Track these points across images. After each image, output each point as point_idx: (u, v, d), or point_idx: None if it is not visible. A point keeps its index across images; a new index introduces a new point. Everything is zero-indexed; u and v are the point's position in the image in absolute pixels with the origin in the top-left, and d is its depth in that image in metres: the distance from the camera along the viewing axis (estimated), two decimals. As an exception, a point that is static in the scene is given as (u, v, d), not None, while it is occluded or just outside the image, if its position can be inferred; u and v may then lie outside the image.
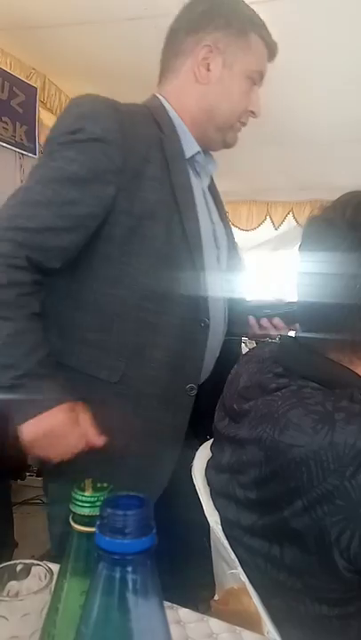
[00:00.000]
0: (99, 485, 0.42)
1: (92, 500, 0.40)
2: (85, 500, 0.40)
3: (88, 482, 0.42)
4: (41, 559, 0.53)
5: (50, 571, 0.49)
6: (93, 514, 0.39)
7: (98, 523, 0.32)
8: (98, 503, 0.39)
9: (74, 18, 3.33)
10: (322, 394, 0.66)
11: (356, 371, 0.70)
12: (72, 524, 0.41)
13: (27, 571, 0.51)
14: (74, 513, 0.40)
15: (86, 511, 0.40)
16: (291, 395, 0.67)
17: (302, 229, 0.74)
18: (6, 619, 0.46)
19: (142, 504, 0.33)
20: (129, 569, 0.31)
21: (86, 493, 0.40)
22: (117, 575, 0.31)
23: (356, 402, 0.63)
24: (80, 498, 0.40)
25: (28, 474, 2.54)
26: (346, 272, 0.66)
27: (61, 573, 0.42)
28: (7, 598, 0.48)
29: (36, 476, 2.58)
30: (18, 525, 1.87)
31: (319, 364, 0.71)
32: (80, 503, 0.40)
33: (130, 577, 0.31)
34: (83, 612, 0.33)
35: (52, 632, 0.42)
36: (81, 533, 0.40)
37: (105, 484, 0.42)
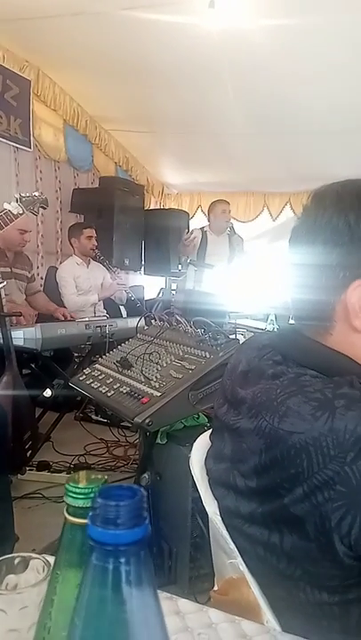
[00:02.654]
0: (93, 477, 0.41)
1: (86, 491, 0.39)
2: (79, 492, 0.39)
3: (82, 473, 0.42)
4: (42, 553, 0.52)
5: (48, 563, 0.49)
6: (87, 505, 0.39)
7: (90, 514, 0.32)
8: (92, 495, 0.39)
9: (67, 9, 3.30)
10: (321, 381, 0.66)
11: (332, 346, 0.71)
12: (66, 515, 0.40)
13: (25, 564, 0.50)
14: (68, 505, 0.40)
15: (80, 503, 0.39)
16: (289, 383, 0.67)
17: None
18: (5, 612, 0.46)
19: (135, 495, 0.32)
20: (122, 560, 0.31)
21: (80, 485, 0.40)
22: (110, 566, 0.31)
23: (356, 388, 0.63)
24: (74, 490, 0.40)
25: (27, 468, 2.55)
26: (326, 263, 0.68)
27: (56, 565, 0.42)
28: (5, 592, 0.47)
29: (36, 471, 2.59)
30: (18, 519, 1.88)
31: (317, 352, 0.71)
32: (74, 495, 0.39)
33: (123, 568, 0.31)
34: (76, 604, 0.33)
35: (48, 624, 0.41)
36: (75, 525, 0.40)
37: (99, 476, 0.42)
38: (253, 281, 5.20)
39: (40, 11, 3.30)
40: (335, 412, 0.60)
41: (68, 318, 3.32)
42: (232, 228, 4.46)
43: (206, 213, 4.85)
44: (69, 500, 0.40)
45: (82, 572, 0.34)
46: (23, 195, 2.56)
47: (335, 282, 0.69)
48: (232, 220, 6.18)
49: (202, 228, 4.60)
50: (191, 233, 4.49)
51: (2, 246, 3.02)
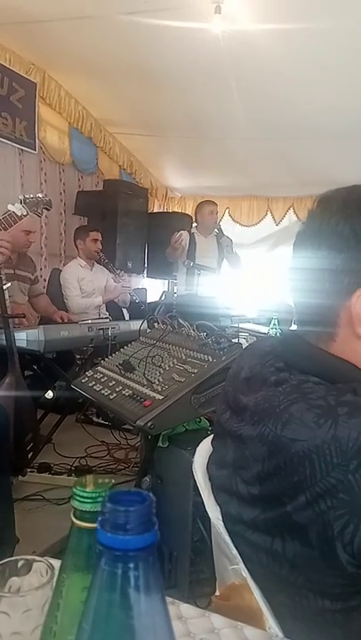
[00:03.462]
0: (100, 481, 0.41)
1: (94, 495, 0.39)
2: (87, 496, 0.39)
3: (90, 477, 0.42)
4: (42, 555, 0.52)
5: (51, 566, 0.49)
6: (95, 510, 0.39)
7: (99, 519, 0.32)
8: (99, 499, 0.39)
9: (73, 12, 3.32)
10: (324, 388, 0.66)
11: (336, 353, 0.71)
12: (73, 519, 0.40)
13: (28, 567, 0.50)
14: (75, 509, 0.40)
15: (88, 507, 0.39)
16: (292, 390, 0.67)
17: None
18: (8, 615, 0.46)
19: (144, 500, 0.32)
20: (131, 565, 0.31)
21: (88, 489, 0.40)
22: (119, 571, 0.31)
23: (359, 395, 0.63)
24: (81, 494, 0.40)
25: (28, 470, 2.54)
26: (330, 268, 0.68)
27: (62, 569, 0.42)
28: (8, 594, 0.47)
29: (37, 473, 2.59)
30: (19, 521, 1.87)
31: (320, 359, 0.71)
32: (81, 499, 0.39)
33: (132, 573, 0.31)
34: (84, 609, 0.33)
35: (54, 628, 0.41)
36: (82, 529, 0.40)
37: (107, 480, 0.42)
38: (255, 285, 5.20)
39: (46, 14, 3.31)
40: (338, 420, 0.60)
41: (66, 321, 3.32)
42: (220, 229, 4.45)
43: (193, 214, 4.80)
44: (76, 504, 0.40)
45: (88, 576, 0.34)
46: (27, 196, 2.57)
47: (339, 287, 0.69)
48: (235, 224, 6.20)
49: (189, 230, 4.55)
50: (180, 235, 4.44)
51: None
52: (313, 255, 0.70)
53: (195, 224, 4.61)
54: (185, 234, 4.44)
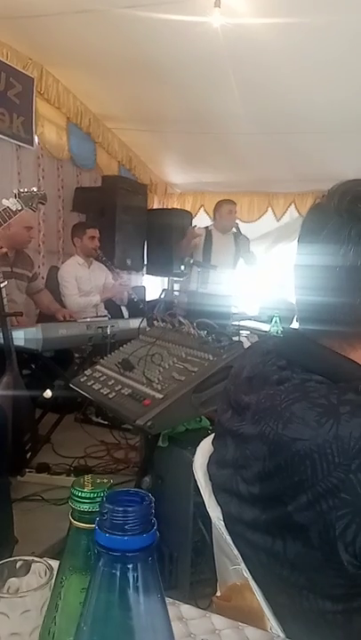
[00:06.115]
0: (98, 481, 0.41)
1: (92, 496, 0.39)
2: (85, 497, 0.39)
3: (87, 478, 0.41)
4: (41, 556, 0.52)
5: (50, 567, 0.49)
6: (93, 510, 0.39)
7: (97, 519, 0.31)
8: (97, 499, 0.39)
9: (71, 6, 3.30)
10: (326, 387, 0.65)
11: (355, 359, 0.69)
12: (71, 520, 0.40)
13: (27, 567, 0.50)
14: (73, 509, 0.40)
15: (86, 507, 0.39)
16: (294, 388, 0.66)
17: (302, 221, 0.73)
18: (6, 616, 0.46)
19: (143, 500, 0.32)
20: (129, 566, 0.31)
21: (85, 490, 0.39)
22: (118, 572, 0.31)
23: None
24: (79, 494, 0.39)
25: (27, 470, 2.53)
26: (336, 263, 0.66)
27: (61, 570, 0.42)
28: (7, 595, 0.47)
29: (36, 473, 2.58)
30: (18, 522, 1.86)
31: (323, 357, 0.70)
32: (79, 499, 0.39)
33: (130, 574, 0.31)
34: (83, 610, 0.33)
35: (52, 629, 0.41)
36: (80, 530, 0.39)
37: (105, 480, 0.41)
38: (258, 282, 5.19)
39: (44, 8, 3.29)
40: (340, 419, 0.59)
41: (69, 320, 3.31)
42: (238, 227, 4.46)
43: (211, 213, 4.80)
44: (75, 505, 0.39)
45: (87, 577, 0.33)
46: (22, 190, 2.54)
47: None
48: (237, 220, 6.20)
49: (206, 227, 4.57)
50: (199, 229, 4.43)
51: (7, 245, 3.00)
52: (329, 252, 0.66)
53: (212, 222, 4.61)
54: (200, 230, 4.44)
